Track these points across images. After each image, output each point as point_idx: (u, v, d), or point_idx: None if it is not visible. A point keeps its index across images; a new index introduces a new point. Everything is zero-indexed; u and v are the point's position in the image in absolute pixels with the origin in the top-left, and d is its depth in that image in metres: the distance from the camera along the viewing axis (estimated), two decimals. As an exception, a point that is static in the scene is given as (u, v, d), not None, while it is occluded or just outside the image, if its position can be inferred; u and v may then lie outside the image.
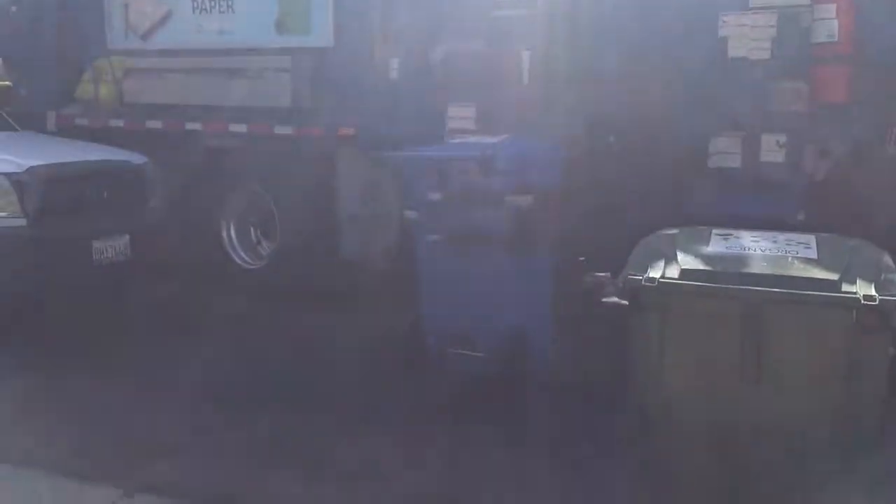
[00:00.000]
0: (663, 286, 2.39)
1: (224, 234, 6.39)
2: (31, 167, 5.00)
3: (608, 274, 2.43)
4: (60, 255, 5.02)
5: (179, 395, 4.47)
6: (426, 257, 4.15)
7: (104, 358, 5.03)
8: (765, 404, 2.41)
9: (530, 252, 3.92)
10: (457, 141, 4.59)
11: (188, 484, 3.50)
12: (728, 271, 2.46)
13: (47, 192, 5.00)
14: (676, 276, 2.44)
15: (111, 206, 5.40)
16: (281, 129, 5.95)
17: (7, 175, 4.89)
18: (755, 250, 2.60)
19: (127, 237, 5.39)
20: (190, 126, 6.32)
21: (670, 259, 2.52)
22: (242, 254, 6.40)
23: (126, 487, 3.45)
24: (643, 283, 2.39)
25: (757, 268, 2.48)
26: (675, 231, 2.78)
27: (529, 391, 3.86)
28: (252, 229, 6.41)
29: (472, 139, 4.53)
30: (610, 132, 4.67)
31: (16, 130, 6.37)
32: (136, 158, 5.90)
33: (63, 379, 4.63)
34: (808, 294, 2.32)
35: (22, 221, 4.88)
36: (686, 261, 2.51)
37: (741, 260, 2.55)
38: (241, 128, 6.14)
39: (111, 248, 5.29)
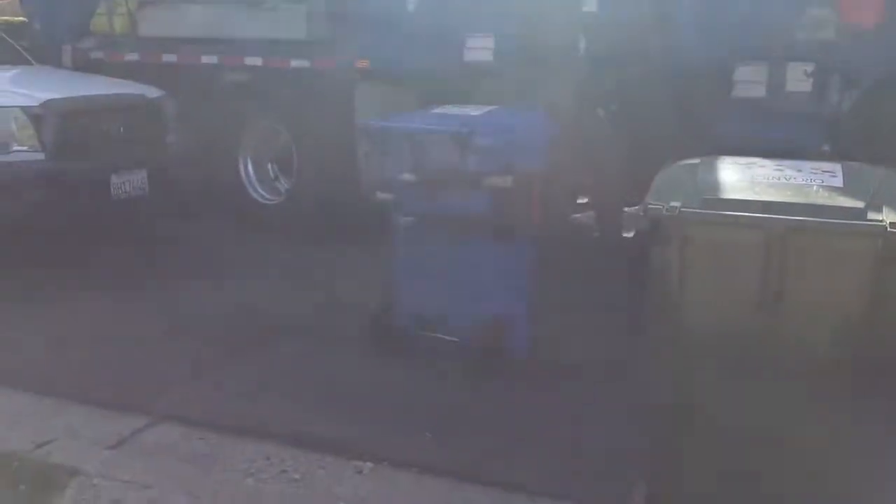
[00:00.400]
0: (685, 215, 2.35)
1: (241, 169, 6.35)
2: (48, 101, 4.98)
3: (640, 207, 2.38)
4: (78, 189, 5.03)
5: (194, 326, 4.53)
6: (400, 238, 3.96)
7: (122, 290, 5.09)
8: (786, 336, 2.38)
9: (509, 237, 3.76)
10: (437, 111, 4.18)
11: (211, 412, 3.55)
12: (751, 200, 2.41)
13: (64, 125, 4.98)
14: (698, 205, 2.40)
15: (128, 140, 5.38)
16: (297, 62, 5.86)
17: (24, 109, 4.87)
18: (779, 179, 2.54)
19: (144, 172, 5.39)
20: (206, 60, 6.24)
21: (692, 188, 2.47)
22: (260, 189, 6.37)
23: (152, 415, 3.51)
24: (664, 212, 2.35)
25: (781, 196, 2.42)
26: (697, 160, 2.73)
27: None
28: (269, 165, 6.37)
29: (454, 110, 4.16)
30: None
31: (31, 65, 6.34)
32: (153, 92, 5.86)
33: (80, 311, 4.70)
34: (833, 222, 2.27)
35: (40, 156, 4.88)
36: (708, 189, 2.46)
37: (765, 188, 2.49)
38: (256, 61, 6.05)
39: (129, 182, 5.30)
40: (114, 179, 5.20)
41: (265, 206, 6.32)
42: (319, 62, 5.78)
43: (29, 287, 5.18)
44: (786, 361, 2.41)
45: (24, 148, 4.84)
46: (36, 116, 4.88)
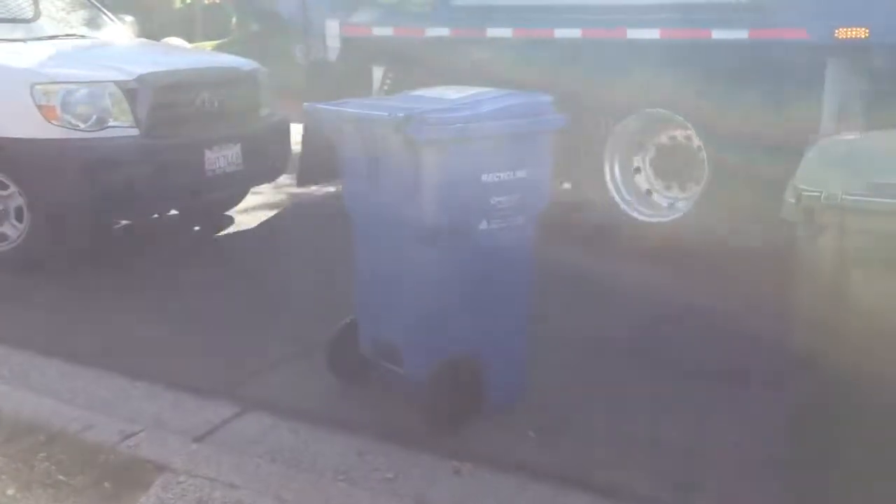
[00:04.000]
0: (847, 203, 1.97)
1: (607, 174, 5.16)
2: (143, 75, 4.89)
3: (791, 192, 2.00)
4: (173, 164, 4.95)
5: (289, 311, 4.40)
6: (355, 242, 3.35)
7: (218, 269, 5.01)
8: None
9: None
10: (415, 93, 3.39)
11: (303, 401, 3.39)
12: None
13: (159, 100, 4.89)
14: (863, 190, 2.01)
15: (223, 114, 5.26)
16: (724, 33, 4.51)
17: (118, 83, 4.79)
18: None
19: (239, 146, 5.27)
20: (562, 32, 4.94)
21: (854, 170, 2.08)
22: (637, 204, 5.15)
23: (242, 402, 3.38)
24: (822, 200, 1.97)
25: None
26: (855, 135, 2.33)
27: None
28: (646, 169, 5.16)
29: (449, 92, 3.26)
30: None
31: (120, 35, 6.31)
32: (247, 65, 5.73)
33: (175, 291, 4.64)
34: None
35: (134, 131, 4.80)
36: (875, 172, 2.06)
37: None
38: (648, 33, 4.72)
39: (223, 157, 5.19)
40: (208, 154, 5.10)
41: (643, 225, 5.15)
42: (769, 32, 4.39)
43: (120, 265, 5.18)
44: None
45: (119, 123, 4.77)
46: (130, 91, 4.79)
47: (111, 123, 4.74)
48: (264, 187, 6.56)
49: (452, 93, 3.24)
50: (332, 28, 5.64)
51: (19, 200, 4.77)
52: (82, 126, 4.66)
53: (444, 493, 2.80)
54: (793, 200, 2.01)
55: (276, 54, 6.87)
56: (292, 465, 2.92)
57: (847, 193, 1.99)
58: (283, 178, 6.50)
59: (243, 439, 3.10)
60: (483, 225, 3.12)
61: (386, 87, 5.83)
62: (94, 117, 4.69)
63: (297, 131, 6.26)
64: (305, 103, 3.33)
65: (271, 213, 6.35)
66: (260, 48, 6.93)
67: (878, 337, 2.04)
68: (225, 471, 2.76)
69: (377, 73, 5.97)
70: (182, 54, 5.89)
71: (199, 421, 3.23)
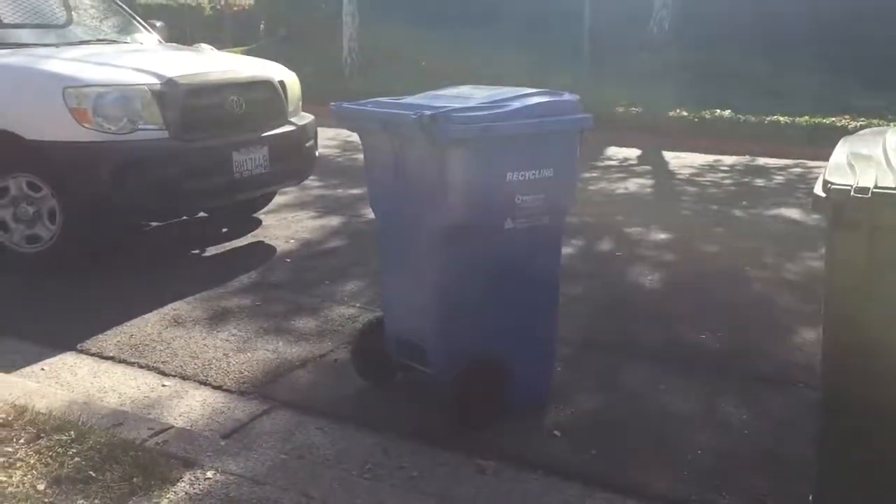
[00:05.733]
0: (878, 197, 1.93)
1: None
2: (172, 78, 4.94)
3: (821, 186, 1.95)
4: (201, 166, 4.99)
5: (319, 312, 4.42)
6: (379, 242, 3.41)
7: (246, 271, 5.05)
8: None
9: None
10: (441, 92, 3.36)
11: (326, 400, 3.41)
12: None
13: (188, 103, 4.94)
14: (894, 184, 1.97)
15: (250, 117, 5.31)
16: None
17: (149, 87, 4.85)
18: None
19: (266, 148, 5.31)
20: None
21: (885, 162, 2.04)
22: None
23: (271, 400, 3.40)
24: (852, 193, 1.94)
25: None
26: (882, 129, 2.29)
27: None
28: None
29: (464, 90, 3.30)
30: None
31: (151, 36, 6.39)
32: (274, 68, 5.80)
33: (203, 291, 4.67)
34: None
35: (164, 133, 4.85)
36: (907, 166, 2.03)
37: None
38: None
39: (251, 159, 5.23)
40: (236, 157, 5.14)
41: None
42: None
43: (150, 265, 5.24)
44: None
45: (149, 126, 4.82)
46: (160, 94, 4.85)
47: (141, 126, 4.80)
48: (291, 189, 6.60)
49: (478, 92, 3.24)
50: None
51: (52, 202, 4.84)
52: (113, 129, 4.72)
53: (468, 490, 2.80)
54: (822, 194, 1.97)
55: (301, 59, 6.92)
56: (319, 462, 2.94)
57: (877, 187, 1.95)
58: (310, 180, 6.54)
59: (271, 437, 3.12)
60: (508, 224, 3.11)
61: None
62: (125, 120, 4.75)
63: (323, 134, 6.29)
64: (332, 103, 3.34)
65: (299, 214, 6.39)
66: (287, 53, 6.94)
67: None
68: (252, 467, 2.77)
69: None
70: (210, 58, 5.94)
71: (228, 419, 3.26)
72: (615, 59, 12.88)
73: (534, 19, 14.70)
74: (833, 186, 1.96)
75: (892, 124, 2.56)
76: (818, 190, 2.01)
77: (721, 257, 5.58)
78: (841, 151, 2.19)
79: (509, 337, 3.21)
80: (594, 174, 8.31)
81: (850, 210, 1.94)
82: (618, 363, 3.84)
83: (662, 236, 6.01)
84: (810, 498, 2.35)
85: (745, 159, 9.20)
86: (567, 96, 3.27)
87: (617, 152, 9.53)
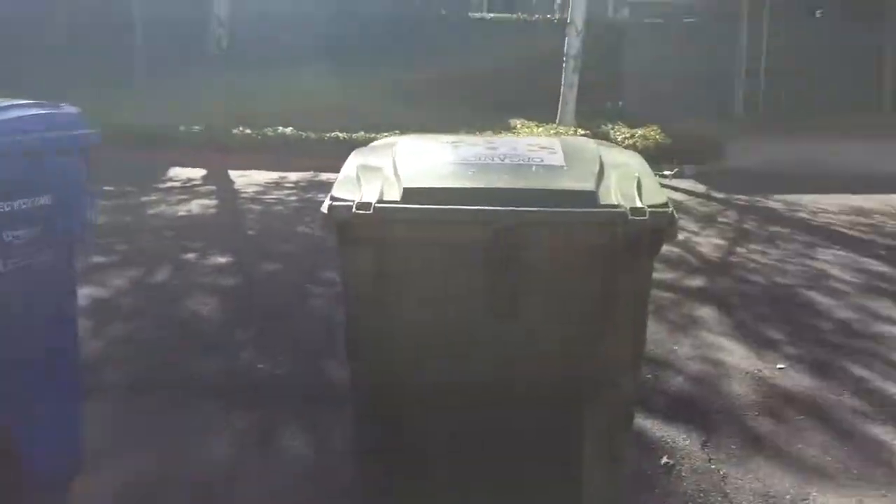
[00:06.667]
0: (381, 212, 1.78)
1: None
2: None
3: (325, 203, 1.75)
4: None
5: None
6: None
7: None
8: (512, 349, 1.93)
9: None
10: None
11: None
12: (467, 187, 1.90)
13: None
14: (398, 197, 1.84)
15: None
16: None
17: None
18: (493, 159, 2.07)
19: None
20: None
21: (390, 176, 1.91)
22: None
23: None
24: (354, 209, 1.76)
25: (501, 181, 1.94)
26: (393, 139, 2.20)
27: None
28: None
29: None
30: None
31: None
32: None
33: None
34: (565, 212, 1.81)
35: None
36: (411, 177, 1.90)
37: (479, 172, 2.00)
38: None
39: None
40: None
41: None
42: None
43: None
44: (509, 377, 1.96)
45: None
46: None
47: None
48: None
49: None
50: None
51: None
52: None
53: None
54: (325, 211, 1.78)
55: None
56: None
57: (381, 201, 1.81)
58: None
59: None
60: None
61: None
62: None
63: None
64: None
65: None
66: None
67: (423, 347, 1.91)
68: None
69: None
70: None
71: None
72: (174, 75, 12.31)
73: (77, 29, 13.42)
74: (335, 203, 1.77)
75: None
76: (324, 207, 1.81)
77: (283, 275, 5.43)
78: (352, 163, 2.04)
79: (13, 402, 2.58)
80: (154, 197, 7.71)
81: (353, 227, 1.76)
82: (169, 406, 3.41)
83: (222, 260, 5.68)
84: None
85: (308, 175, 9.29)
86: (66, 108, 2.75)
87: (180, 173, 9.01)
